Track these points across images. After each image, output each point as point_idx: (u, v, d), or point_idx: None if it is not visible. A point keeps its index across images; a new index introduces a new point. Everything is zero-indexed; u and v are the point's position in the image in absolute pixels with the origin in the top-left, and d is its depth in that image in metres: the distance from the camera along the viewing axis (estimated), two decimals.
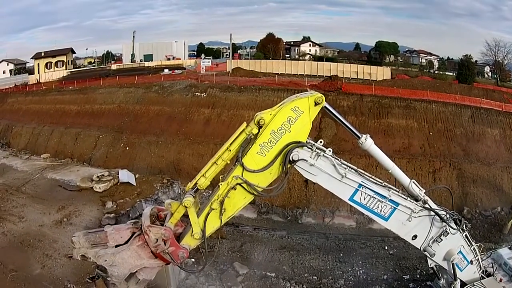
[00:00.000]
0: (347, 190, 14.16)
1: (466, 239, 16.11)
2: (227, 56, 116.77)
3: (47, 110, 73.33)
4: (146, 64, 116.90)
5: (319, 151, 13.39)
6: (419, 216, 14.76)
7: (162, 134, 56.96)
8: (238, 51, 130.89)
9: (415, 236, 15.19)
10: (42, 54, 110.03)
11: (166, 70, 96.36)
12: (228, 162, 13.26)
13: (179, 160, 51.87)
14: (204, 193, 15.08)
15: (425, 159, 46.53)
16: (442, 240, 15.22)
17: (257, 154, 13.01)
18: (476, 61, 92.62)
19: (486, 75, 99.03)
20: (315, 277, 33.77)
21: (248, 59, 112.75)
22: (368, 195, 14.24)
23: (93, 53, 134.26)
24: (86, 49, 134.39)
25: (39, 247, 32.02)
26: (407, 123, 51.38)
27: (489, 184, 44.56)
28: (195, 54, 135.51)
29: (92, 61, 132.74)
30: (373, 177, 14.44)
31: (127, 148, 56.69)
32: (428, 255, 15.53)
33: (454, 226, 15.31)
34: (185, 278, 31.90)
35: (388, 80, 75.60)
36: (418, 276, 33.55)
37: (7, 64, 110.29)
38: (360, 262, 35.91)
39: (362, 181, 14.07)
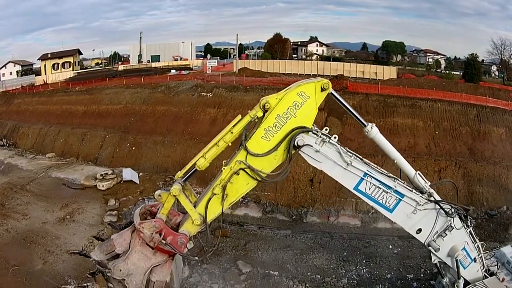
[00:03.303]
0: (352, 178, 14.33)
1: (470, 235, 16.07)
2: (234, 56, 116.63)
3: (54, 110, 73.44)
4: (153, 64, 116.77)
5: (325, 137, 13.44)
6: (424, 209, 14.93)
7: (168, 134, 56.92)
8: (246, 52, 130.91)
9: (419, 230, 15.25)
10: (49, 55, 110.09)
11: (173, 71, 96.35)
12: (230, 144, 13.36)
13: (185, 160, 51.37)
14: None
15: (431, 158, 46.26)
16: (446, 235, 15.28)
17: (261, 139, 13.10)
18: (482, 60, 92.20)
19: (493, 74, 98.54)
20: (318, 276, 33.74)
21: (255, 59, 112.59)
22: (373, 184, 14.40)
23: (100, 54, 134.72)
24: (93, 50, 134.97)
25: (42, 244, 32.17)
26: (412, 122, 51.09)
27: (495, 183, 44.24)
28: (202, 54, 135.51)
29: (99, 62, 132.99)
30: (378, 167, 14.40)
31: (133, 148, 56.67)
32: (432, 250, 15.53)
33: (459, 221, 15.29)
34: (188, 276, 32.03)
35: (394, 80, 75.21)
36: (422, 275, 33.45)
37: (14, 66, 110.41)
38: (364, 261, 35.88)
39: (367, 170, 14.18)
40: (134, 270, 13.16)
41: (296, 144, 13.27)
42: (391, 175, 14.70)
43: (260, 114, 13.15)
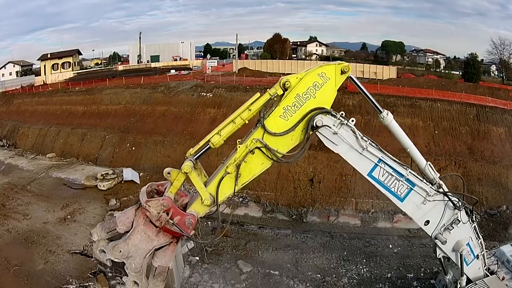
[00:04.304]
0: (366, 164, 14.43)
1: (474, 231, 16.28)
2: (234, 56, 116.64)
3: (54, 111, 73.49)
4: (153, 65, 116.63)
5: (343, 120, 13.60)
6: (434, 200, 15.04)
7: (168, 134, 56.92)
8: (245, 52, 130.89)
9: (427, 222, 15.46)
10: (49, 56, 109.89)
11: (172, 71, 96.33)
12: (247, 122, 13.06)
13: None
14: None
15: (431, 158, 45.89)
16: (453, 228, 15.55)
17: (279, 118, 12.99)
18: (482, 59, 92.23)
19: (492, 74, 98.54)
20: (319, 275, 33.73)
21: (254, 59, 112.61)
22: (387, 171, 14.53)
23: (100, 54, 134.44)
24: (93, 50, 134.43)
25: (43, 244, 32.29)
26: (412, 121, 51.09)
27: (495, 183, 44.27)
28: (202, 54, 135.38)
29: (99, 62, 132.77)
30: (390, 155, 14.53)
31: (133, 148, 56.71)
32: (439, 243, 15.70)
33: (465, 215, 15.51)
34: (189, 276, 31.98)
35: (394, 79, 75.24)
36: (422, 274, 33.48)
37: (14, 66, 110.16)
38: (364, 260, 35.88)
39: (382, 157, 14.32)
40: (134, 252, 12.62)
41: (314, 125, 13.26)
42: (403, 164, 14.84)
43: (280, 92, 13.03)
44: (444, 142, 48.88)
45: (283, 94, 13.11)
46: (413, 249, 37.04)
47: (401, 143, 15.19)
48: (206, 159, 14.21)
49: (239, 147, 13.06)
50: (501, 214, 42.05)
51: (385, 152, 14.49)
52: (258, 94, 13.17)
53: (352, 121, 13.92)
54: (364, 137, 14.13)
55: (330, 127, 13.59)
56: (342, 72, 13.37)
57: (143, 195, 12.98)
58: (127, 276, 12.93)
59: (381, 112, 14.61)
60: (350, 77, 13.69)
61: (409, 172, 14.64)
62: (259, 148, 13.01)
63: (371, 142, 14.27)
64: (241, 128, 13.39)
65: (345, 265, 35.26)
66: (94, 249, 13.02)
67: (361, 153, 14.14)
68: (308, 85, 13.04)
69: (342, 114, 13.86)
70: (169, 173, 13.24)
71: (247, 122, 13.13)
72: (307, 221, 43.60)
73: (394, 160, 14.55)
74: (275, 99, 13.25)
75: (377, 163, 14.36)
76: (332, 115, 13.58)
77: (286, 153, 13.49)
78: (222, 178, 13.13)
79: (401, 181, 14.63)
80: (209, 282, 31.69)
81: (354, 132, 13.92)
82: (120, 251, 12.59)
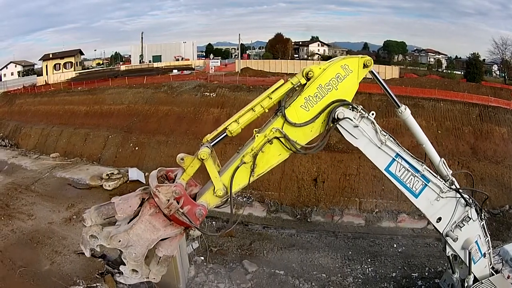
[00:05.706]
0: (384, 158, 14.22)
1: (483, 229, 16.31)
2: (236, 56, 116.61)
3: (56, 111, 73.56)
4: (155, 65, 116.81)
5: (363, 113, 13.28)
6: (446, 197, 15.00)
7: (171, 134, 56.93)
8: (247, 52, 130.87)
9: (439, 219, 15.36)
10: (51, 56, 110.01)
11: (175, 71, 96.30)
12: (267, 110, 12.61)
13: None
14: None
15: None
16: (464, 225, 15.48)
17: (300, 108, 12.64)
18: (484, 59, 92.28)
19: (494, 74, 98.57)
20: (324, 275, 33.78)
21: (256, 59, 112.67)
22: (403, 167, 14.33)
23: (102, 54, 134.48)
24: (95, 50, 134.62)
25: (48, 244, 32.25)
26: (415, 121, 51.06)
27: (497, 182, 44.23)
28: (204, 54, 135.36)
29: (101, 62, 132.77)
30: (408, 151, 14.51)
31: (137, 148, 56.75)
32: (450, 240, 15.69)
33: (475, 212, 15.57)
34: (194, 276, 31.96)
35: (396, 79, 75.26)
36: (426, 273, 33.53)
37: (16, 66, 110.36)
38: (369, 260, 35.95)
39: (399, 151, 14.06)
40: (135, 242, 11.56)
41: (336, 117, 12.88)
42: (419, 159, 14.83)
43: (303, 81, 12.58)
44: (447, 142, 48.86)
45: (305, 84, 12.73)
46: (418, 249, 37.13)
47: (417, 139, 15.10)
48: None
49: (257, 136, 12.55)
50: (504, 213, 42.07)
51: (402, 147, 14.48)
52: (281, 81, 12.68)
53: (372, 114, 13.78)
54: (382, 131, 14.07)
55: (351, 120, 13.24)
56: (365, 66, 13.10)
57: (154, 179, 11.99)
58: (124, 265, 11.90)
59: (399, 106, 14.50)
60: (371, 71, 13.58)
61: (424, 167, 14.65)
62: (278, 138, 12.58)
63: (389, 137, 14.15)
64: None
65: (350, 265, 35.34)
66: (83, 233, 11.70)
67: (379, 147, 13.88)
68: (331, 76, 12.71)
69: (361, 107, 13.77)
70: (182, 159, 12.30)
71: (267, 110, 12.62)
72: (312, 221, 43.67)
73: (411, 156, 14.54)
74: (297, 88, 12.90)
75: (395, 158, 14.21)
76: (353, 107, 13.40)
77: (304, 144, 13.20)
78: (237, 168, 12.54)
79: (417, 176, 14.50)
80: (214, 282, 31.72)
81: (374, 125, 13.83)
82: (120, 241, 11.55)
